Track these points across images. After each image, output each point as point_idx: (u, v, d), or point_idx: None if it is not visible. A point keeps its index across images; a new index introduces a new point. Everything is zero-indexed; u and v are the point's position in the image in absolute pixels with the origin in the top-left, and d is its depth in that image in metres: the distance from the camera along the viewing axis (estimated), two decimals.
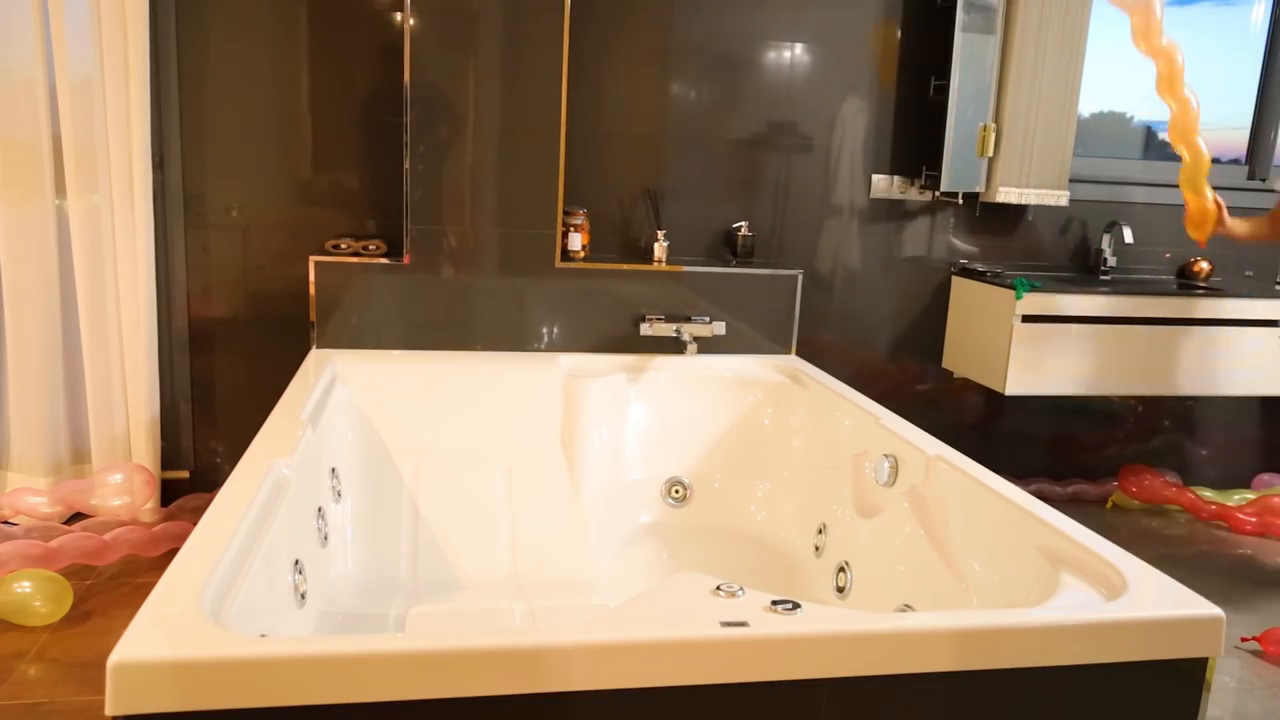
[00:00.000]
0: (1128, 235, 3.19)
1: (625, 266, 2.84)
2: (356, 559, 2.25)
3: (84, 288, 2.63)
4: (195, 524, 1.44)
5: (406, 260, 2.69)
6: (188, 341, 2.80)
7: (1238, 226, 2.52)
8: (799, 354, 2.98)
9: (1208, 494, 3.34)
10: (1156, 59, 2.45)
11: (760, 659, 1.22)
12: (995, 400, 3.37)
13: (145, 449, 2.72)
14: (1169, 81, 2.44)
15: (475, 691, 1.15)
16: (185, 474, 2.86)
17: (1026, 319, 2.90)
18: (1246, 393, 3.28)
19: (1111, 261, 3.30)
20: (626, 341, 2.87)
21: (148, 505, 2.68)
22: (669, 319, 2.87)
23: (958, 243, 3.21)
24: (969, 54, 2.92)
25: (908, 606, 1.92)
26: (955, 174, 3.00)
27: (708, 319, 2.89)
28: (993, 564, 1.75)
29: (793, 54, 2.97)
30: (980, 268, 3.17)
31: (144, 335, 2.67)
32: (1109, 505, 3.38)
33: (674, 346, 2.88)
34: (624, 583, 2.36)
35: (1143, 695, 1.35)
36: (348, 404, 2.48)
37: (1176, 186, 3.39)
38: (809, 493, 2.55)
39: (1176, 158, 3.56)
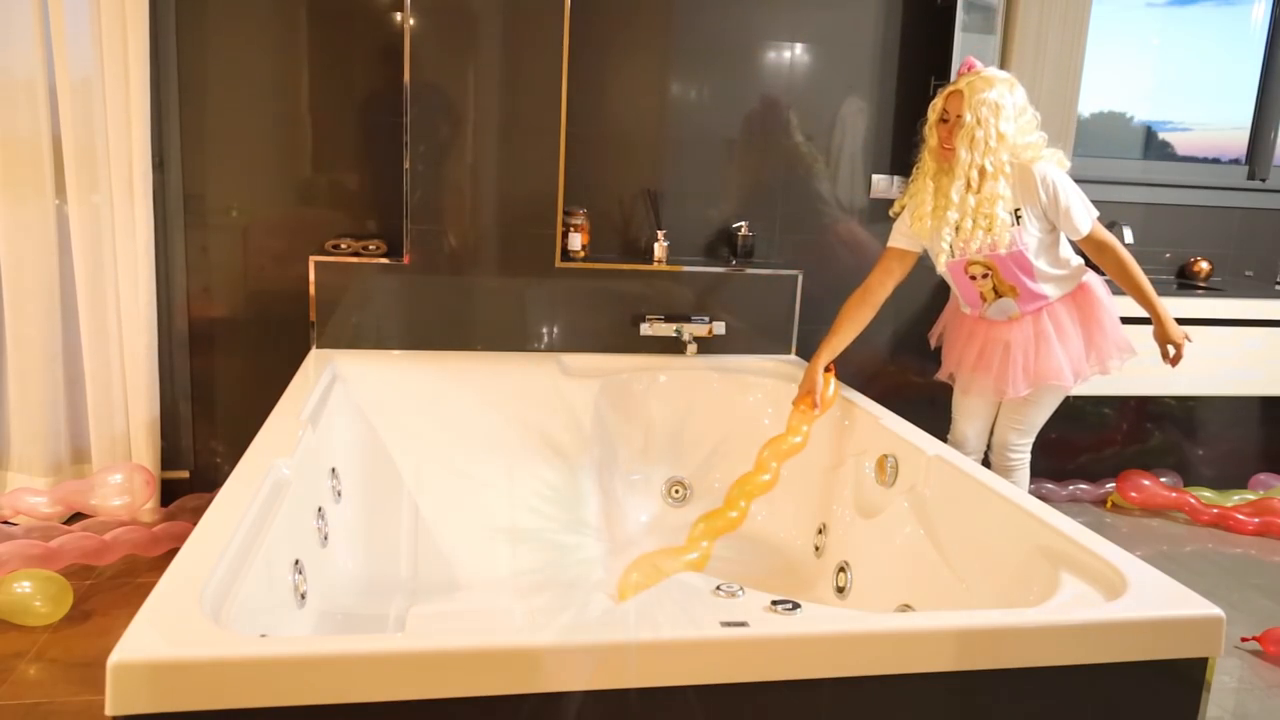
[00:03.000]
0: (1128, 235, 3.19)
1: (625, 266, 2.84)
2: (356, 559, 2.24)
3: (84, 288, 2.63)
4: (195, 524, 1.44)
5: (406, 260, 2.69)
6: (188, 341, 2.80)
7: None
8: (799, 354, 2.98)
9: (1207, 495, 3.34)
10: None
11: (760, 659, 1.22)
12: None
13: (145, 449, 2.72)
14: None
15: (475, 691, 1.15)
16: (185, 474, 2.86)
17: None
18: (1246, 393, 3.28)
19: None
20: (626, 341, 2.87)
21: (148, 505, 2.68)
22: (669, 319, 2.87)
23: None
24: (969, 54, 2.91)
25: (908, 606, 1.92)
26: None
27: (708, 319, 2.89)
28: (993, 564, 1.75)
29: (793, 54, 2.97)
30: None
31: (144, 335, 2.67)
32: (1108, 505, 3.38)
33: (674, 346, 2.88)
34: None
35: (1143, 695, 1.35)
36: (348, 404, 2.48)
37: (1176, 187, 3.40)
38: (809, 493, 2.55)
39: (1176, 157, 3.58)
